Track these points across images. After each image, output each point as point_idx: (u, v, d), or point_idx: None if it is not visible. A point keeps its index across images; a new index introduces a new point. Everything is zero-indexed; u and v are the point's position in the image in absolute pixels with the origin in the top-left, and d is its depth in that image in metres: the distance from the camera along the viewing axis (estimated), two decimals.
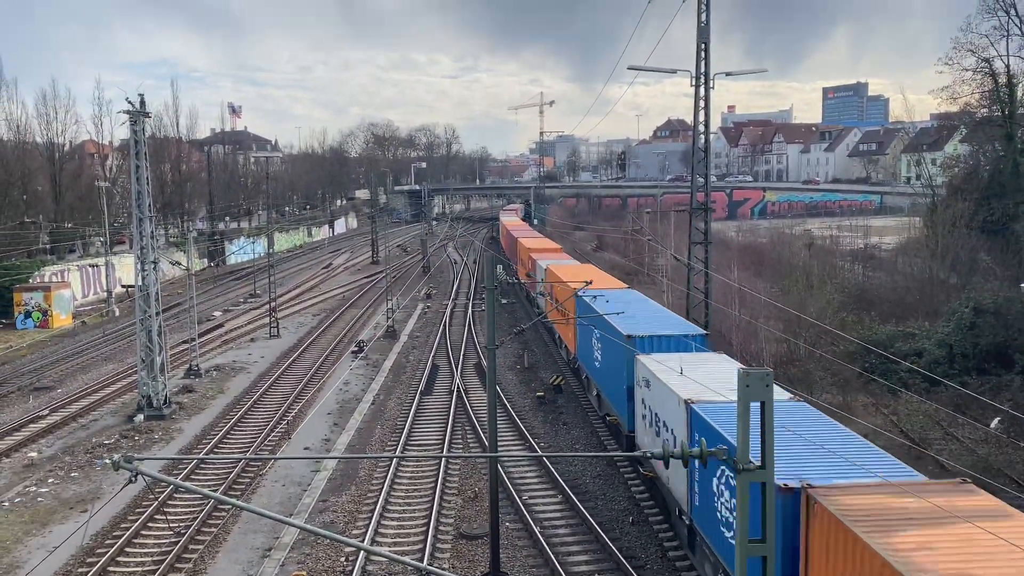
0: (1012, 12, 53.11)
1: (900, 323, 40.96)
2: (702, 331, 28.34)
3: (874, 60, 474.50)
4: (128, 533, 23.01)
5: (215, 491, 25.75)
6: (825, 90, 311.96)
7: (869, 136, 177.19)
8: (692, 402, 18.93)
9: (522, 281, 59.17)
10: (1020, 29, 53.16)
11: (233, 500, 9.43)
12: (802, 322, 36.14)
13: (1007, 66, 54.14)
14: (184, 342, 46.04)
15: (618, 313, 29.38)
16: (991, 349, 35.01)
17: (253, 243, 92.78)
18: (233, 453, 30.29)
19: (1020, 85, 54.18)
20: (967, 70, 54.97)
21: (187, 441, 31.93)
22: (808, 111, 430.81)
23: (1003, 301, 36.09)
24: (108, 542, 22.91)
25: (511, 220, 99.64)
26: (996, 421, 29.59)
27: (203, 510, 24.37)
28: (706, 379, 20.64)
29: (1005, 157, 53.55)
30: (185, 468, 28.07)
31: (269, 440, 31.35)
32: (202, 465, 28.42)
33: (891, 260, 61.65)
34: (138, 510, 24.92)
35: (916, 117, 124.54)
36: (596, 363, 31.92)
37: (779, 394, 19.39)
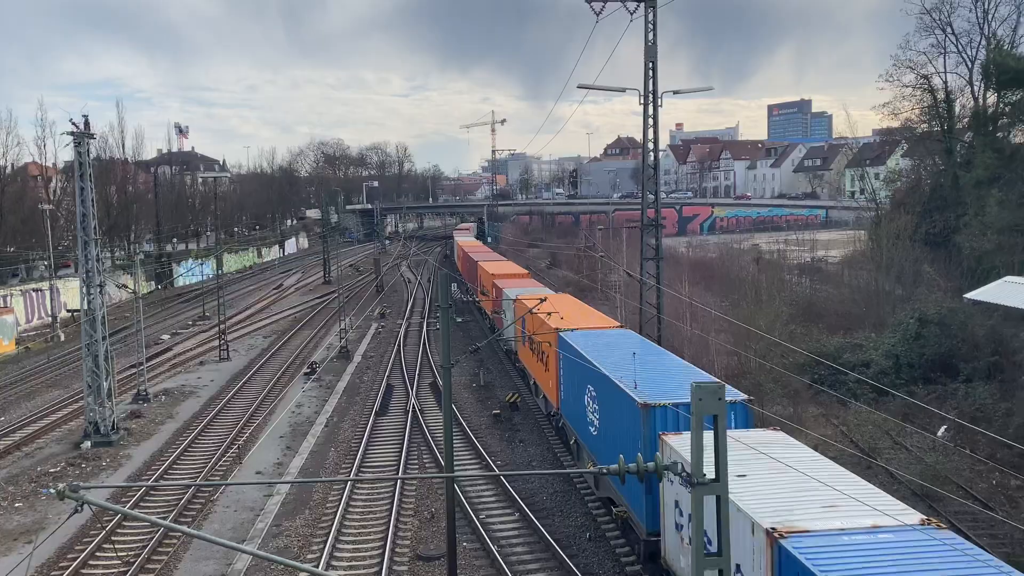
0: (948, 30, 54.78)
1: (848, 334, 41.70)
2: (742, 396, 20.56)
3: (817, 77, 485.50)
4: (75, 564, 22.43)
5: (165, 518, 25.23)
6: (770, 107, 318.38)
7: (814, 152, 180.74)
8: (781, 535, 12.48)
9: (478, 300, 59.11)
10: (956, 46, 54.84)
11: (183, 528, 9.26)
12: (752, 335, 36.59)
13: (945, 82, 55.79)
14: (132, 367, 45.15)
15: (607, 359, 23.83)
16: (936, 359, 35.79)
17: (202, 264, 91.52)
18: (183, 479, 29.73)
19: (958, 101, 55.80)
20: (907, 86, 56.50)
21: (136, 468, 31.28)
22: (754, 128, 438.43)
23: (947, 312, 36.95)
24: (54, 574, 22.30)
25: (467, 240, 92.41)
26: (943, 429, 30.22)
27: (153, 538, 23.86)
28: (781, 481, 14.61)
29: (945, 171, 55.00)
30: (134, 496, 27.47)
31: (220, 465, 30.84)
32: (152, 492, 27.84)
33: (838, 273, 62.79)
34: (85, 540, 24.30)
35: (859, 133, 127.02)
36: (592, 429, 25.03)
37: (908, 516, 13.15)
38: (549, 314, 31.07)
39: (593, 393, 24.66)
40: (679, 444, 17.10)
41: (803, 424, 28.44)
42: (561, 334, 29.21)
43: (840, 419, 32.53)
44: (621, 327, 32.28)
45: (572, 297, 42.81)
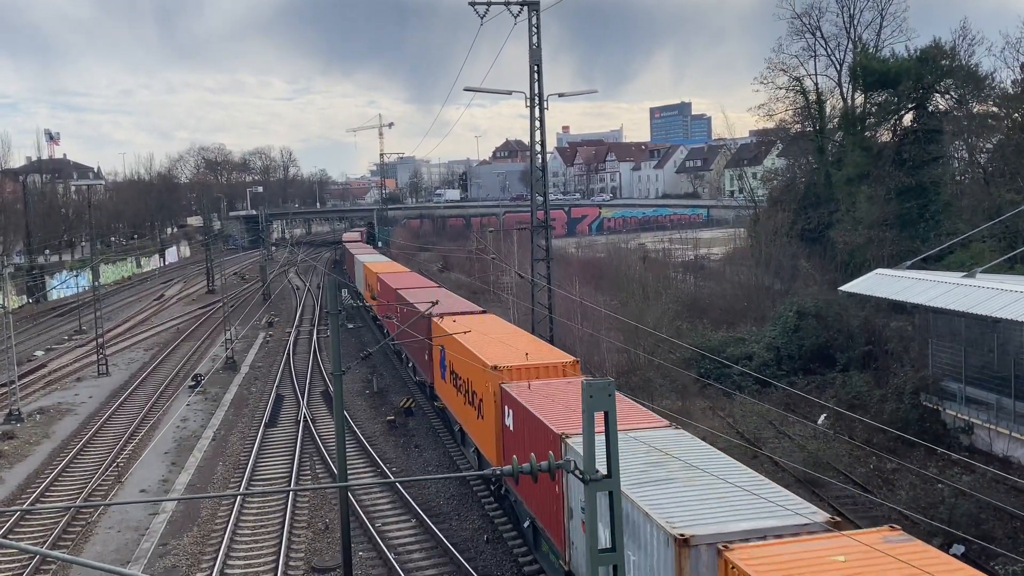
0: (818, 34, 57.16)
1: (731, 329, 42.99)
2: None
3: (695, 80, 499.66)
4: None
5: (42, 544, 24.00)
6: (652, 110, 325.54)
7: (694, 153, 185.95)
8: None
9: (367, 304, 58.31)
10: (826, 50, 57.26)
11: (58, 554, 8.79)
12: (640, 332, 37.35)
13: (816, 84, 58.13)
14: (2, 385, 42.80)
15: None
16: (814, 349, 37.29)
17: (77, 276, 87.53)
18: (61, 501, 28.32)
19: (828, 102, 58.22)
20: (780, 88, 58.65)
21: (9, 492, 29.61)
22: (637, 130, 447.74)
23: (823, 304, 38.53)
24: None
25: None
26: (822, 418, 31.47)
27: (31, 565, 22.63)
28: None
29: (818, 169, 57.33)
30: (7, 522, 25.99)
31: (101, 484, 29.51)
32: (27, 516, 26.42)
33: (720, 269, 64.72)
34: None
35: (736, 134, 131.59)
36: None
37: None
38: None
39: None
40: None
41: (691, 417, 29.14)
42: None
43: (726, 411, 33.51)
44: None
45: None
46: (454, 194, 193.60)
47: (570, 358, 25.00)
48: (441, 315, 31.75)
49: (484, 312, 36.19)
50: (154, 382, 46.19)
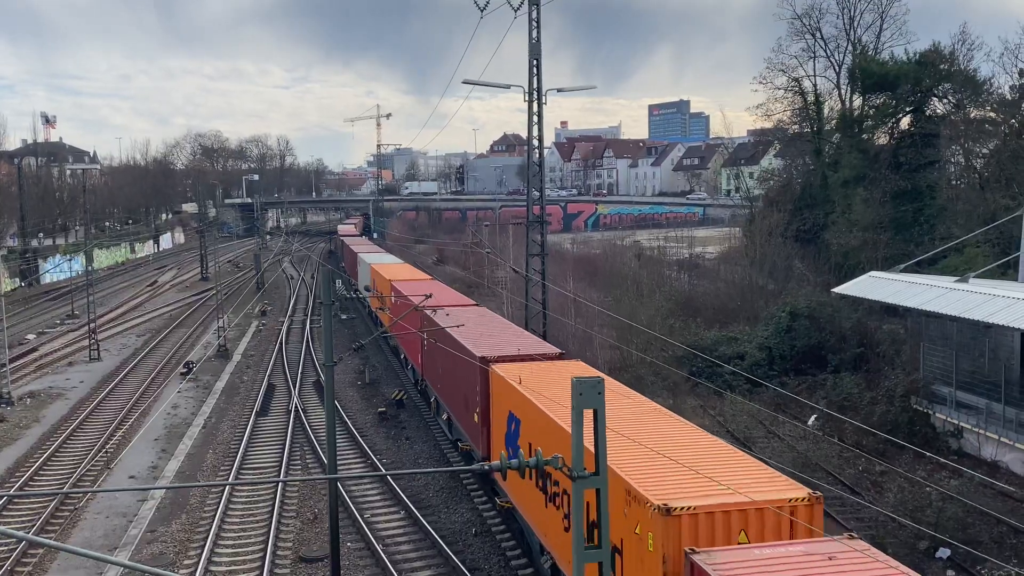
0: (818, 35, 57.29)
1: (724, 328, 43.03)
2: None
3: (694, 79, 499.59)
4: None
5: (29, 530, 23.97)
6: (650, 107, 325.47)
7: (692, 151, 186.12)
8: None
9: (362, 295, 58.17)
10: (825, 51, 57.39)
11: (45, 540, 8.77)
12: (633, 329, 37.39)
13: (814, 85, 58.27)
14: None
15: None
16: (806, 350, 37.35)
17: (70, 260, 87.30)
18: (50, 486, 28.27)
19: (826, 103, 58.35)
20: (779, 88, 58.80)
21: None
22: (635, 127, 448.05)
23: (816, 305, 38.60)
24: None
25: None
26: (813, 418, 31.56)
27: (16, 550, 22.59)
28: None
29: (815, 170, 57.44)
30: None
31: (91, 470, 29.46)
32: (14, 501, 26.37)
33: (714, 268, 64.72)
34: None
35: (734, 133, 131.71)
36: None
37: None
38: None
39: None
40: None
41: (682, 415, 29.15)
42: None
43: (717, 410, 33.57)
44: None
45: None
46: (427, 186, 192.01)
47: (802, 490, 13.86)
48: (501, 359, 22.48)
49: (562, 356, 24.46)
50: (146, 368, 46.12)
